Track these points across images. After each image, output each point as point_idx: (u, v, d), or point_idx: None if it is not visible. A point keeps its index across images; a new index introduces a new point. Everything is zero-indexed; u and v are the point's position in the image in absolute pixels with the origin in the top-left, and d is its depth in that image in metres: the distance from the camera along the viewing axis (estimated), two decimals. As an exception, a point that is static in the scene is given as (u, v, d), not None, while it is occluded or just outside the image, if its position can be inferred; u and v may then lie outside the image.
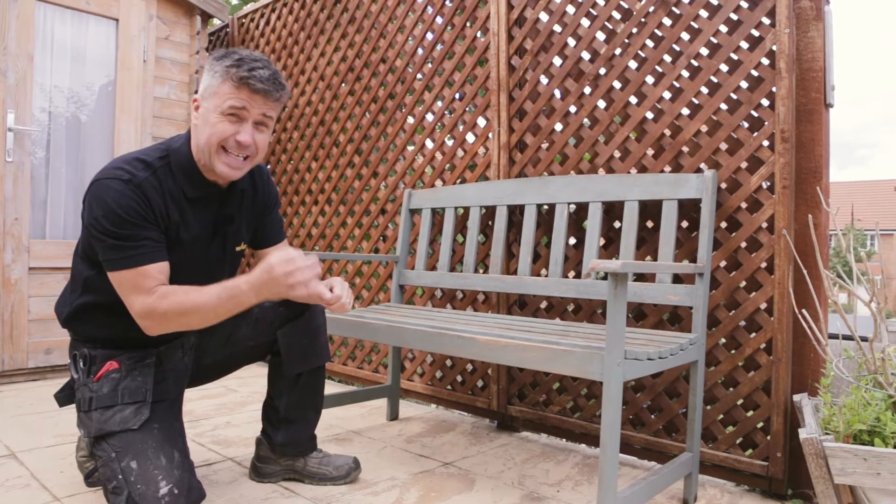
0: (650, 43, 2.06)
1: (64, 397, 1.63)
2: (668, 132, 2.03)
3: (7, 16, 2.94)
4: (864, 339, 1.52)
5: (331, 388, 3.06)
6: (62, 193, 3.18)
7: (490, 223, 2.47)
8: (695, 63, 1.97)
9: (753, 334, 1.84)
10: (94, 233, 1.41)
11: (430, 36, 2.76)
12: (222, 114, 1.45)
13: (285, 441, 1.78)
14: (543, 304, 2.33)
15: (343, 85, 3.16)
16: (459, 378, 2.61)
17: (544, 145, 2.34)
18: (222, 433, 2.27)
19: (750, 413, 1.85)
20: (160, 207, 1.45)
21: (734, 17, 1.89)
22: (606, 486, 1.34)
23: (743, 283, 1.87)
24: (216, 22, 4.23)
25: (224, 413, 2.55)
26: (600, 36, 2.18)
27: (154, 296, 1.41)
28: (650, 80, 2.06)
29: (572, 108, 2.26)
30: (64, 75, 3.18)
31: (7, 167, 2.94)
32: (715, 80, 1.93)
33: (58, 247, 3.11)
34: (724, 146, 1.91)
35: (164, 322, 1.42)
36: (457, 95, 2.66)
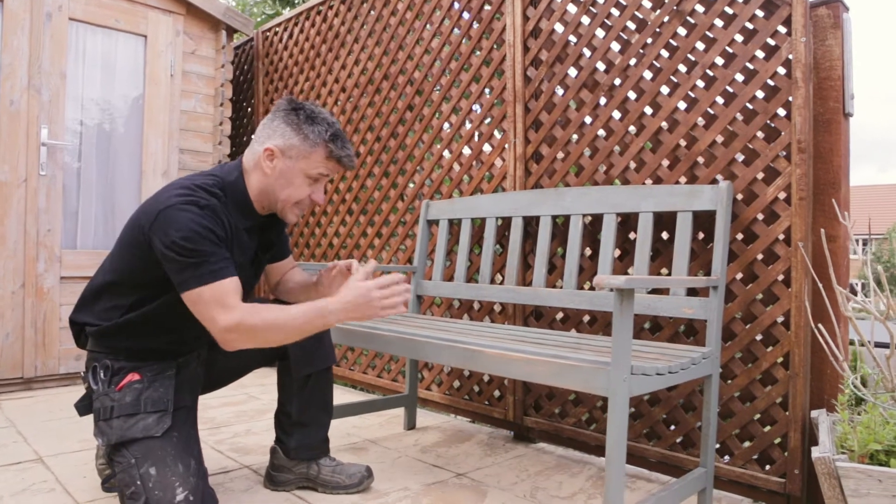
0: (665, 53, 2.04)
1: (84, 407, 1.68)
2: (683, 143, 2.01)
3: (42, 35, 3.05)
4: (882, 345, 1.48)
5: (350, 396, 3.09)
6: (92, 204, 3.28)
7: (506, 234, 2.48)
8: (710, 73, 1.95)
9: (770, 348, 1.81)
10: (172, 255, 1.43)
11: (447, 48, 2.78)
12: (308, 177, 1.61)
13: (298, 445, 1.82)
14: (559, 316, 2.32)
15: (363, 97, 3.20)
16: (476, 388, 2.61)
17: (560, 156, 2.33)
18: (241, 441, 2.31)
19: (767, 428, 1.81)
20: (226, 234, 1.54)
21: (749, 26, 1.87)
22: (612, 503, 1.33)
23: (759, 296, 1.83)
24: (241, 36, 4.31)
25: (244, 421, 2.60)
26: (615, 46, 2.17)
27: (238, 311, 1.44)
28: (665, 90, 2.05)
29: (587, 119, 2.25)
30: (94, 91, 3.28)
31: (41, 180, 3.05)
32: (730, 89, 1.90)
33: (88, 256, 3.21)
34: (739, 157, 1.89)
35: (250, 336, 1.46)
36: (474, 107, 2.67)
